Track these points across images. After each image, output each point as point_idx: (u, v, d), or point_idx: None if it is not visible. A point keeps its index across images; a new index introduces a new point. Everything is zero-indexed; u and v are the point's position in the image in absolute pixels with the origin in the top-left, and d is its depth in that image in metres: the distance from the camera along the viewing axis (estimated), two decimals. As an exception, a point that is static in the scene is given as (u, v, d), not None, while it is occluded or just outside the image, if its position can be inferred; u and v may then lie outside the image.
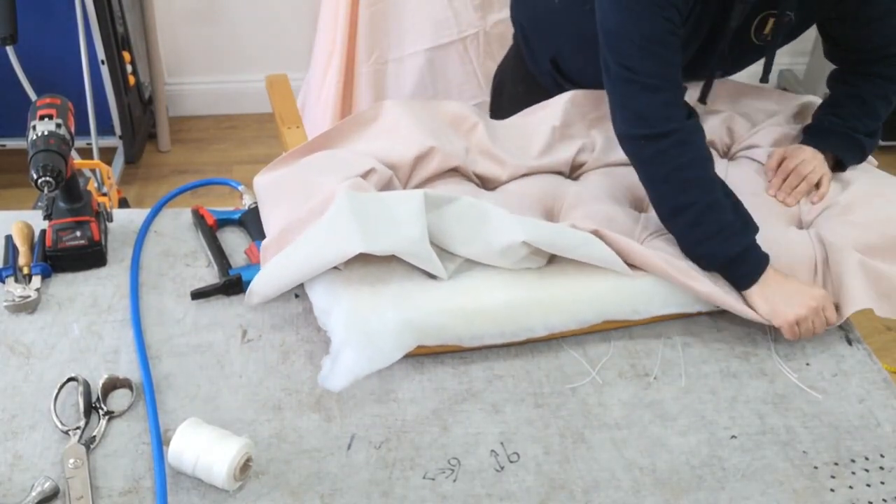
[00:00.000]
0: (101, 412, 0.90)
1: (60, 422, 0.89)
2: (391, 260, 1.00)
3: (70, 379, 0.92)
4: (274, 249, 1.04)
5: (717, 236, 1.04)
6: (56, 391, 0.91)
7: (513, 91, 1.53)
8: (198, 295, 1.06)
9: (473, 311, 0.98)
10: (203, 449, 0.82)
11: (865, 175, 1.23)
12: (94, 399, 0.91)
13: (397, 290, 0.99)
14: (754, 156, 1.27)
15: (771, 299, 1.04)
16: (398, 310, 0.95)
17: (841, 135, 1.24)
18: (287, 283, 1.00)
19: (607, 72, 1.09)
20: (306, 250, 0.99)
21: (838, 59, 1.28)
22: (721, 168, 1.25)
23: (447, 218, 1.04)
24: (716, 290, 1.03)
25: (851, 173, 1.23)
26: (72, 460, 0.84)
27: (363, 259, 1.00)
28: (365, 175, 1.11)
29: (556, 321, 1.00)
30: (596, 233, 1.06)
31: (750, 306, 1.04)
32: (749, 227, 1.07)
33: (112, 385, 0.93)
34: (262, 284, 1.01)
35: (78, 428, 0.88)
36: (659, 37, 1.04)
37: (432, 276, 1.01)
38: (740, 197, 1.12)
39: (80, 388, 0.91)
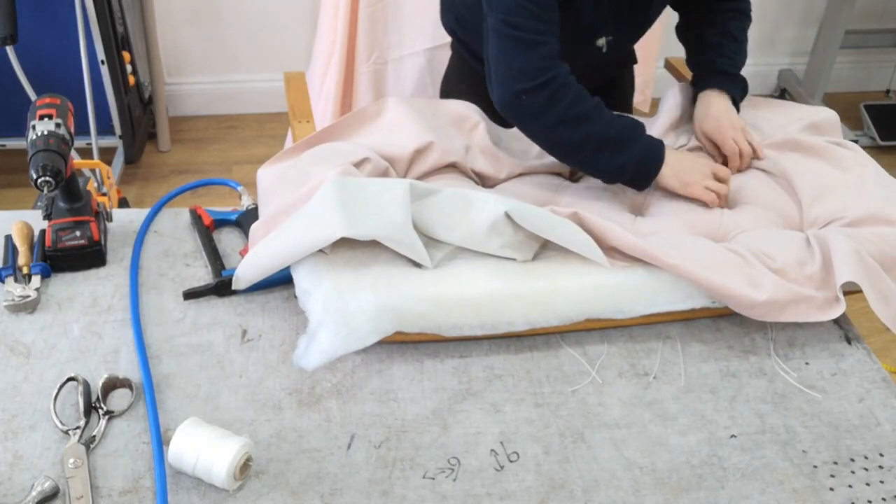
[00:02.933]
0: (101, 412, 0.90)
1: (60, 422, 0.89)
2: (377, 246, 1.00)
3: (70, 379, 0.92)
4: (262, 233, 1.05)
5: (620, 149, 1.16)
6: (56, 391, 0.91)
7: (458, 91, 1.51)
8: (190, 295, 1.06)
9: (454, 300, 0.98)
10: (203, 449, 0.82)
11: (872, 199, 1.17)
12: (94, 399, 0.91)
13: (379, 274, 0.99)
14: (763, 166, 1.27)
15: (678, 175, 1.18)
16: (378, 294, 0.95)
17: (734, 76, 1.34)
18: (271, 266, 1.00)
19: (492, 31, 1.17)
20: (290, 234, 1.00)
21: (688, 11, 1.40)
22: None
23: (432, 206, 1.04)
24: (694, 268, 1.00)
25: (860, 187, 1.18)
26: (72, 460, 0.84)
27: (350, 244, 1.00)
28: (358, 164, 1.11)
29: (537, 316, 0.99)
30: (576, 215, 1.06)
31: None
32: (637, 126, 1.19)
33: (112, 385, 0.93)
34: (248, 268, 1.01)
35: (78, 428, 0.88)
36: None
37: (418, 265, 1.01)
38: (747, 207, 1.19)
39: (80, 388, 0.91)
